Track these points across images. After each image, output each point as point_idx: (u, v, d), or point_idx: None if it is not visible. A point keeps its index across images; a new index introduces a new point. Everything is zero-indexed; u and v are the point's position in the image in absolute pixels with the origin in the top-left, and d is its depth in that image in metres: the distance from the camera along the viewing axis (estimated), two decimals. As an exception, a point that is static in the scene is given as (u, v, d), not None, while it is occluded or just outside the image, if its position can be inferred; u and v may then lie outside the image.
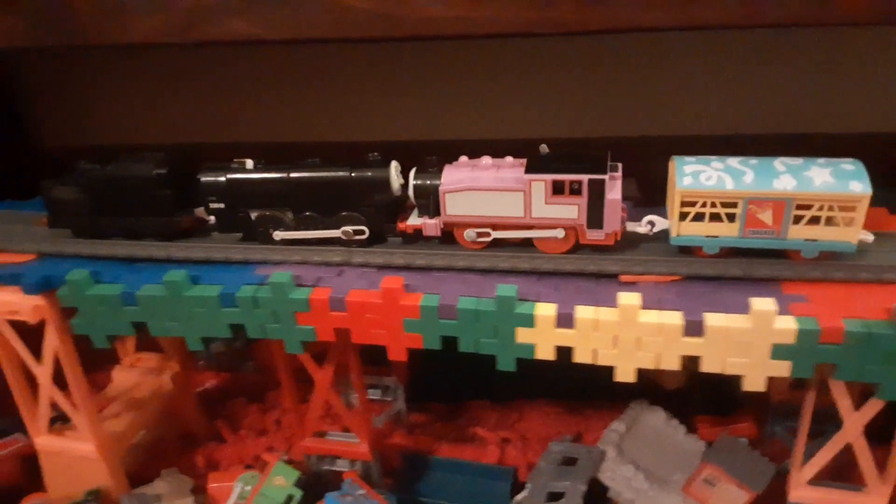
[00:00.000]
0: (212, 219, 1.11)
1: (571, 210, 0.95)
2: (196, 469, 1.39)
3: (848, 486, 1.03)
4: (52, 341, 1.13)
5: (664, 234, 0.99)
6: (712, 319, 0.86)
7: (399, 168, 1.03)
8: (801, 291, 0.89)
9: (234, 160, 1.06)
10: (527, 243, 1.01)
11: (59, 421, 1.30)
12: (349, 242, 1.05)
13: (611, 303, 0.91)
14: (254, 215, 1.06)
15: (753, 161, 0.91)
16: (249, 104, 1.64)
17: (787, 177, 0.88)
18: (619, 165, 0.95)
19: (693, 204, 0.91)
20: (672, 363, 0.90)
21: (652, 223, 0.98)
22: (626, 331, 0.89)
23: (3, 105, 1.77)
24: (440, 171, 1.01)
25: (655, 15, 0.85)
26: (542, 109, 1.53)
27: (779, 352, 0.86)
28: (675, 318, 0.87)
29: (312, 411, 1.19)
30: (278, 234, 1.05)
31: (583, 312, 0.90)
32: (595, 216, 0.94)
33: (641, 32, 0.87)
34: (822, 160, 0.91)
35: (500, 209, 0.98)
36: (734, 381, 1.37)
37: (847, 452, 1.00)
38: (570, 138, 1.50)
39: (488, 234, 1.00)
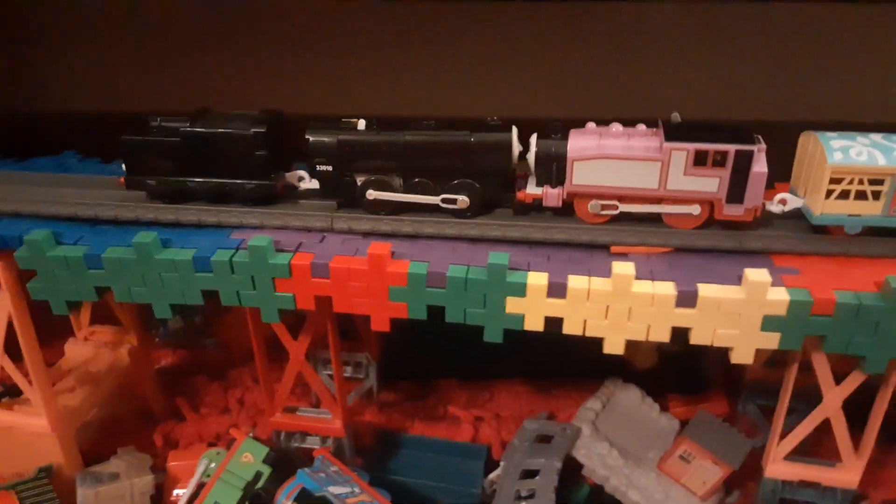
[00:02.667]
0: (303, 184, 1.06)
1: (711, 183, 0.90)
2: (154, 448, 1.32)
3: (822, 462, 1.05)
4: (5, 307, 1.05)
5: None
6: (705, 290, 0.86)
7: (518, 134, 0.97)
8: (793, 264, 0.90)
9: (343, 119, 0.99)
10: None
11: (5, 396, 1.23)
12: (460, 212, 0.98)
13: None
14: (360, 180, 0.99)
15: None
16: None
17: None
18: (761, 138, 0.90)
19: (839, 181, 0.88)
20: (662, 335, 0.89)
21: (783, 201, 0.94)
22: (617, 301, 0.88)
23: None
24: (565, 137, 0.94)
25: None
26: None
27: (769, 323, 0.86)
28: (667, 289, 0.86)
29: (284, 385, 1.14)
30: (371, 194, 0.98)
31: (575, 282, 0.88)
32: (737, 190, 0.90)
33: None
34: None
35: (632, 180, 0.91)
36: (705, 360, 1.42)
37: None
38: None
39: (615, 207, 0.94)
